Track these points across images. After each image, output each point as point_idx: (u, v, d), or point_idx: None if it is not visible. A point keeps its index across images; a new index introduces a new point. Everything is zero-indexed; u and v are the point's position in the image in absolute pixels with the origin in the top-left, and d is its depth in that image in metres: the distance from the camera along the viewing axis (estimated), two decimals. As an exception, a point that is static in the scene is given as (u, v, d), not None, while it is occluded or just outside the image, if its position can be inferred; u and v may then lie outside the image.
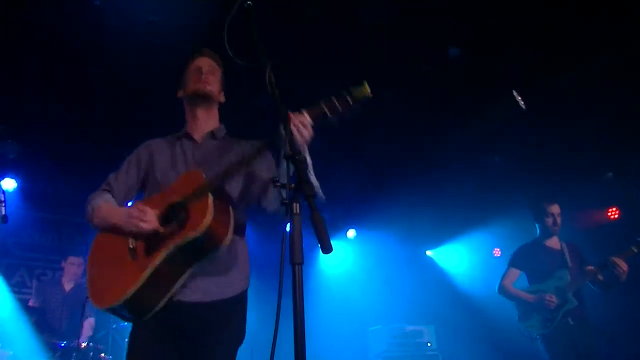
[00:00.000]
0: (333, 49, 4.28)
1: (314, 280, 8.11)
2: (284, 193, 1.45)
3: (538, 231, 4.59)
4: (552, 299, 4.17)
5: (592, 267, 4.23)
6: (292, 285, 1.35)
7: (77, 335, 4.94)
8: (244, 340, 2.12)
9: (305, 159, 1.81)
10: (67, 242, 7.20)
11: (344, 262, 8.44)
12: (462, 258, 8.53)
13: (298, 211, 1.42)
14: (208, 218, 1.83)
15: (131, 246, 1.98)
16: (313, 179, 1.86)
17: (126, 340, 4.42)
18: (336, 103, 1.81)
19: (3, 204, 4.12)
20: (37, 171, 6.37)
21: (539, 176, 6.45)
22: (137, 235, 1.98)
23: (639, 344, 5.65)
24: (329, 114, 1.81)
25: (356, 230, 8.38)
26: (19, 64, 4.62)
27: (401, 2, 4.10)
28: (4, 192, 4.19)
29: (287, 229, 1.43)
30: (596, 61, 4.56)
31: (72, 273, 5.56)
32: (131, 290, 1.88)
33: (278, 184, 1.49)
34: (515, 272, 4.57)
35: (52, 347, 4.75)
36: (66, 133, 5.63)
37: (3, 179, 6.07)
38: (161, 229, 1.94)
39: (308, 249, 1.39)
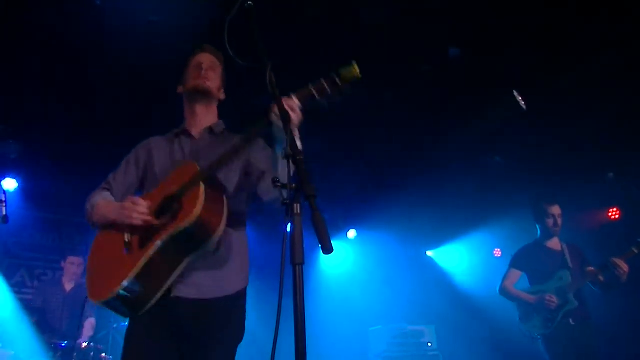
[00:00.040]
0: (333, 49, 4.28)
1: (314, 280, 8.10)
2: (284, 193, 1.45)
3: (539, 232, 4.59)
4: (553, 299, 4.17)
5: (593, 268, 4.24)
6: (293, 286, 1.35)
7: (78, 335, 4.94)
8: (245, 341, 2.11)
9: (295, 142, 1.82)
10: (67, 242, 7.20)
11: (344, 262, 8.44)
12: (463, 258, 8.54)
13: (299, 211, 1.42)
14: (199, 207, 1.83)
15: (127, 240, 1.98)
16: (298, 142, 1.82)
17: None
18: (325, 85, 1.80)
19: (4, 204, 4.12)
20: (38, 171, 6.37)
21: (539, 176, 6.45)
22: (133, 229, 1.98)
23: (639, 344, 5.65)
24: (317, 96, 1.80)
25: (357, 231, 8.38)
26: (19, 64, 4.63)
27: (401, 2, 4.10)
28: (4, 192, 4.19)
29: (288, 229, 1.43)
30: (596, 61, 4.55)
31: (72, 273, 5.56)
32: (125, 282, 1.87)
33: (279, 184, 1.48)
34: (516, 273, 4.57)
35: (53, 347, 4.75)
36: (66, 133, 5.63)
37: (4, 179, 6.07)
38: (155, 221, 1.94)
39: (308, 249, 1.39)
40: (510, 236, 6.63)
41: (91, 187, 2.33)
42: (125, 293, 1.89)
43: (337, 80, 1.80)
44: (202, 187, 1.88)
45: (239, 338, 2.09)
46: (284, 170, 1.69)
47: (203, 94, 2.31)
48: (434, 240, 8.59)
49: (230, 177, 2.15)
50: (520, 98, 4.99)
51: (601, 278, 4.17)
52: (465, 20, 4.25)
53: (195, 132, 2.30)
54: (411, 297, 7.48)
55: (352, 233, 8.39)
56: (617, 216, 6.76)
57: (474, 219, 7.50)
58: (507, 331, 5.32)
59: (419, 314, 7.03)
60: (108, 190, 2.27)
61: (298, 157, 1.47)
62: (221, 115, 2.42)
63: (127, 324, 2.10)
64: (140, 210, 1.97)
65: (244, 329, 2.12)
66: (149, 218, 1.95)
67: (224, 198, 1.98)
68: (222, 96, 2.41)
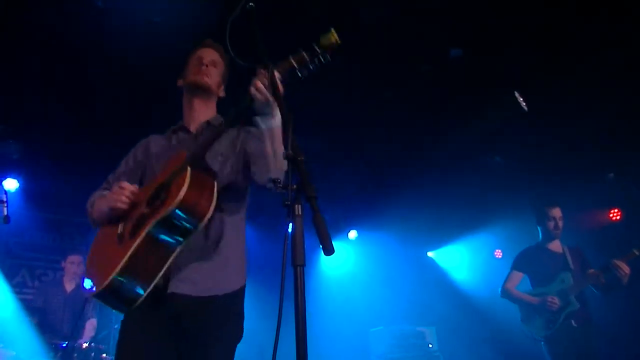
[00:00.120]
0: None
1: (315, 281, 8.10)
2: (286, 194, 1.45)
3: (540, 235, 4.60)
4: (555, 300, 4.18)
5: (594, 270, 4.24)
6: (294, 287, 1.34)
7: (79, 335, 4.94)
8: (246, 342, 2.11)
9: (274, 114, 1.88)
10: (68, 242, 7.20)
11: (345, 263, 8.44)
12: (464, 259, 8.53)
13: (300, 213, 1.42)
14: (183, 190, 1.80)
15: (119, 232, 1.97)
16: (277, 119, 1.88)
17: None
18: (304, 55, 1.81)
19: (5, 205, 4.12)
20: (38, 171, 6.37)
21: (540, 176, 6.45)
22: (126, 221, 1.98)
23: (639, 346, 5.65)
24: (297, 67, 1.81)
25: (357, 232, 8.37)
26: (19, 64, 4.63)
27: (401, 2, 4.10)
28: (5, 192, 4.20)
29: (289, 230, 1.42)
30: (596, 61, 4.55)
31: (72, 272, 5.55)
32: (115, 272, 1.83)
33: (280, 185, 1.48)
34: (518, 275, 4.58)
35: (53, 348, 4.75)
36: (67, 133, 5.64)
37: (5, 179, 6.07)
38: (145, 209, 1.92)
39: (309, 250, 1.39)
40: (511, 237, 6.63)
41: (91, 187, 2.33)
42: (116, 285, 1.85)
43: (316, 47, 1.80)
44: (188, 170, 1.86)
45: (238, 337, 2.08)
46: (268, 145, 1.84)
47: (202, 90, 2.29)
48: (435, 241, 8.58)
49: (227, 168, 2.14)
50: (521, 99, 4.99)
51: (602, 280, 4.17)
52: (465, 20, 4.25)
53: (193, 127, 2.29)
54: (412, 298, 7.48)
55: (352, 234, 8.38)
56: (618, 217, 6.75)
57: (475, 219, 7.50)
58: (508, 332, 5.33)
59: (420, 315, 7.03)
60: (108, 190, 2.26)
61: (299, 158, 1.46)
62: (221, 114, 2.41)
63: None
64: (126, 193, 1.98)
65: (243, 330, 2.11)
66: (132, 197, 1.98)
67: (214, 183, 1.94)
68: (221, 93, 2.39)
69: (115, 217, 2.05)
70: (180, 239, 1.90)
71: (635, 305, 5.61)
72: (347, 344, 7.22)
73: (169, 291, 1.96)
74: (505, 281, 4.58)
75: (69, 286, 5.52)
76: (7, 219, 4.07)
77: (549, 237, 4.51)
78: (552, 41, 4.41)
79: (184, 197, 1.80)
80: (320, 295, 7.76)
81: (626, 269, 4.02)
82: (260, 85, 1.82)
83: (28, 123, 5.53)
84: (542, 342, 4.24)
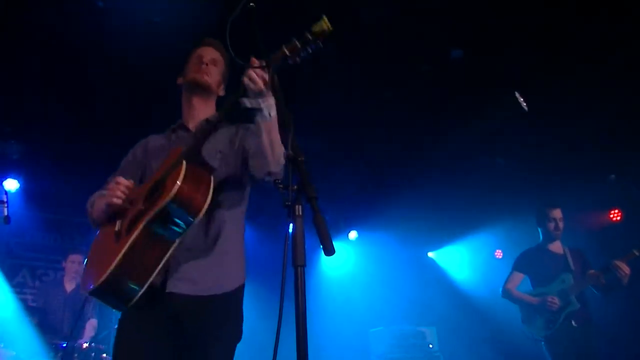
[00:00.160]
0: (333, 49, 4.28)
1: (315, 281, 8.10)
2: (286, 195, 1.45)
3: (541, 236, 4.61)
4: (555, 300, 4.18)
5: (595, 271, 4.24)
6: (295, 288, 1.34)
7: (79, 335, 4.93)
8: (246, 342, 2.10)
9: (268, 104, 1.85)
10: (68, 242, 7.20)
11: (345, 263, 8.43)
12: (464, 259, 8.53)
13: (300, 213, 1.42)
14: (178, 183, 1.80)
15: (116, 229, 1.96)
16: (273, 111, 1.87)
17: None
18: (297, 43, 1.80)
19: (6, 205, 4.12)
20: (39, 171, 6.37)
21: (540, 177, 6.45)
22: (123, 218, 1.97)
23: (639, 346, 5.65)
24: (289, 55, 1.79)
25: (358, 232, 8.37)
26: (20, 64, 4.63)
27: (401, 2, 4.10)
28: (6, 192, 4.20)
29: (290, 230, 1.42)
30: (596, 61, 4.56)
31: (73, 271, 5.55)
32: (111, 267, 1.82)
33: (280, 185, 1.48)
34: (519, 276, 4.58)
35: (54, 348, 4.75)
36: (67, 133, 5.64)
37: (5, 179, 6.07)
38: (142, 205, 1.91)
39: (309, 250, 1.38)
40: (512, 237, 6.64)
41: (91, 187, 2.33)
42: (113, 280, 1.84)
43: (309, 35, 1.80)
44: (183, 164, 1.86)
45: (238, 336, 2.07)
46: (265, 138, 1.84)
47: (202, 88, 2.29)
48: (435, 241, 8.58)
49: (225, 166, 2.13)
50: (522, 99, 4.99)
51: (602, 281, 4.17)
52: (465, 20, 4.25)
53: (192, 125, 2.28)
54: (412, 298, 7.48)
55: (353, 234, 8.38)
56: (618, 218, 6.75)
57: (475, 219, 7.49)
58: (508, 332, 5.33)
59: (420, 315, 7.03)
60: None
61: (299, 158, 1.46)
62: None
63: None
64: (121, 188, 1.98)
65: (242, 329, 2.10)
66: (127, 192, 1.97)
67: (211, 178, 1.93)
68: (221, 92, 2.38)
69: (112, 213, 2.04)
70: (178, 232, 1.89)
71: (635, 305, 5.61)
72: (347, 344, 7.22)
73: (167, 291, 1.95)
74: (506, 282, 4.59)
75: (69, 286, 5.52)
76: (7, 219, 4.08)
77: (549, 238, 4.51)
78: (552, 41, 4.41)
79: (178, 190, 1.80)
80: (321, 296, 7.76)
81: (626, 269, 4.02)
82: (253, 75, 1.79)
83: (28, 123, 5.53)
84: (543, 342, 4.24)
